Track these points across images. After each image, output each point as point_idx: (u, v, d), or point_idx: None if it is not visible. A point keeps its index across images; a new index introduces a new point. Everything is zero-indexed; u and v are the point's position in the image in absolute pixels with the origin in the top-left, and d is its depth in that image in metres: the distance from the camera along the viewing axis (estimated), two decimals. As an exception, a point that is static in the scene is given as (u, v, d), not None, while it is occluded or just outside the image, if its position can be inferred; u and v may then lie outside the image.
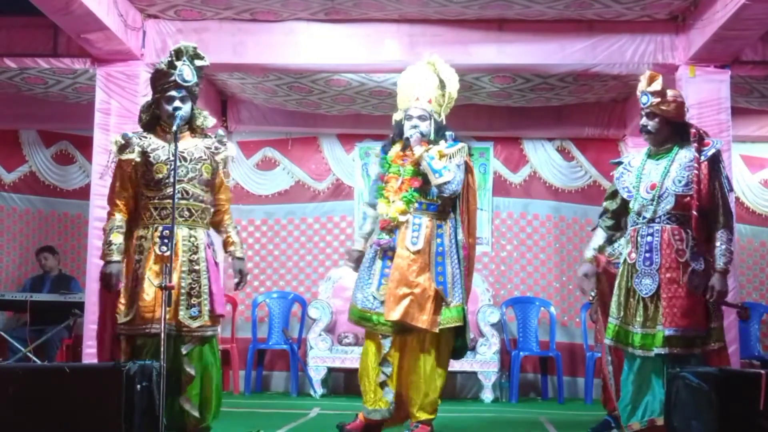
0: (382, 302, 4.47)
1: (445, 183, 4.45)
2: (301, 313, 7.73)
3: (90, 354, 5.78)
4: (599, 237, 4.55)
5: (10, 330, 7.22)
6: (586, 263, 4.58)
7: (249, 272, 4.52)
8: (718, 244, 4.12)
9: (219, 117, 8.01)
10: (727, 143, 6.09)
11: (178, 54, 4.17)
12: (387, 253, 4.54)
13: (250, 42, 6.30)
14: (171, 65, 4.16)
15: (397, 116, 4.74)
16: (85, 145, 7.42)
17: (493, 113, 7.96)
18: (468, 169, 4.63)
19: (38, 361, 6.39)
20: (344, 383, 7.77)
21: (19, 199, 8.42)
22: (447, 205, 4.59)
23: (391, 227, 4.55)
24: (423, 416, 4.51)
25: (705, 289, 4.11)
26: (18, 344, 6.82)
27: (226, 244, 4.36)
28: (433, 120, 4.60)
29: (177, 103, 4.14)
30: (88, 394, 3.54)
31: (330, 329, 7.46)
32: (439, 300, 4.46)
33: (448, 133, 4.64)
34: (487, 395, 7.14)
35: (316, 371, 7.27)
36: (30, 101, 7.70)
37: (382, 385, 4.52)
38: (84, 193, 7.44)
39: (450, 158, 4.52)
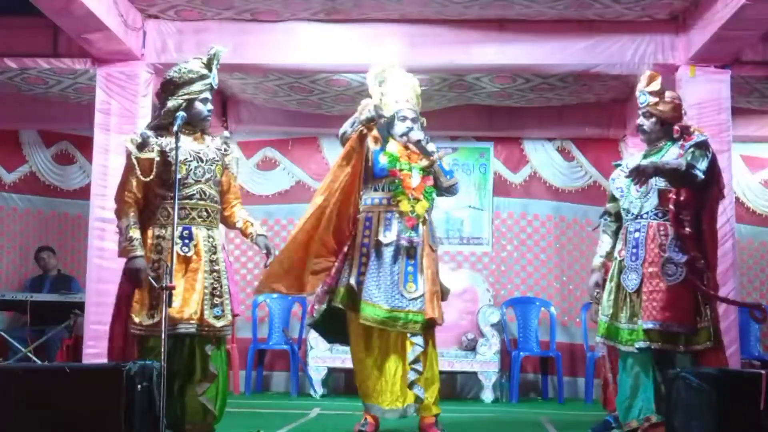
0: (411, 300, 4.49)
1: (455, 184, 4.61)
2: (301, 314, 7.73)
3: (90, 354, 5.78)
4: (606, 243, 4.58)
5: (11, 330, 7.22)
6: (595, 272, 4.61)
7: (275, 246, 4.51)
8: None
9: (219, 117, 8.02)
10: (728, 143, 6.09)
11: (215, 57, 4.21)
12: (409, 251, 4.55)
13: (250, 42, 6.29)
14: (209, 68, 4.20)
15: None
16: (85, 145, 7.41)
17: (493, 113, 7.96)
18: None
19: (38, 361, 6.40)
20: (344, 383, 7.77)
21: (20, 200, 8.42)
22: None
23: (416, 225, 4.58)
24: (436, 410, 4.60)
25: (688, 283, 4.12)
26: (18, 344, 6.82)
27: (245, 230, 4.33)
28: (420, 123, 4.73)
29: (209, 105, 4.22)
30: (88, 394, 3.54)
31: (330, 329, 7.45)
32: (440, 295, 4.64)
33: (427, 137, 4.76)
34: (488, 395, 7.14)
35: (317, 371, 7.27)
36: (30, 101, 7.70)
37: (412, 384, 4.51)
38: (84, 193, 7.43)
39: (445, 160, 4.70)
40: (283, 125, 8.20)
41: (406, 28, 6.24)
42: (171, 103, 4.12)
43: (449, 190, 4.59)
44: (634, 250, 4.23)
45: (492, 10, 6.02)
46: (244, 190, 8.24)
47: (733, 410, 3.73)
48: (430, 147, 4.68)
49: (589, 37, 6.20)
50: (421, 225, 4.58)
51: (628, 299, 4.23)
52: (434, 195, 4.65)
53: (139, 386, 3.52)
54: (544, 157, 8.26)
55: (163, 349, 3.63)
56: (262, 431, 4.82)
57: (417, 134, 4.61)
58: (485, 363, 7.15)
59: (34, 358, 6.56)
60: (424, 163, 4.63)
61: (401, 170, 4.63)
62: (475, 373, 7.24)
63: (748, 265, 8.09)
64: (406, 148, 4.67)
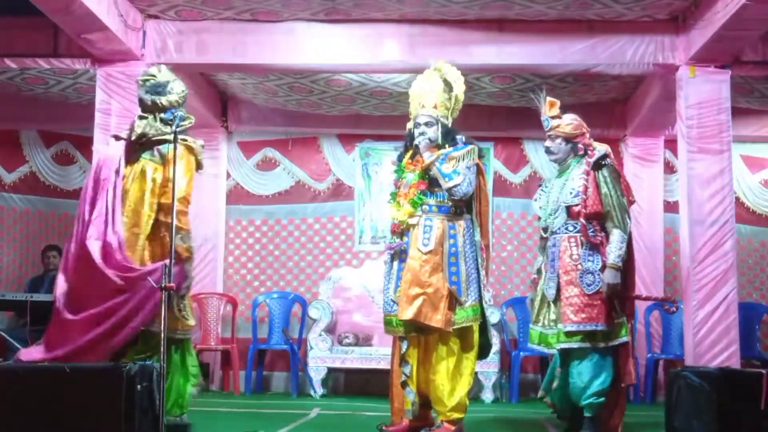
0: (395, 304, 4.55)
1: (454, 186, 4.53)
2: (301, 314, 7.73)
3: (90, 354, 5.77)
4: (538, 260, 4.94)
5: (10, 330, 7.22)
6: (530, 290, 5.02)
7: None
8: (611, 241, 4.52)
9: (219, 117, 8.02)
10: (728, 143, 6.11)
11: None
12: (401, 255, 4.60)
13: (250, 42, 6.30)
14: None
15: (409, 125, 4.82)
16: (85, 145, 7.41)
17: (493, 113, 7.96)
18: (479, 171, 4.69)
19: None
20: (344, 383, 7.78)
21: (20, 200, 8.41)
22: (460, 207, 4.64)
23: (402, 230, 4.63)
24: (451, 415, 4.53)
25: (602, 285, 4.47)
26: (18, 344, 6.81)
27: None
28: (440, 124, 4.65)
29: None
30: (88, 394, 3.55)
31: (330, 329, 7.46)
32: (453, 299, 4.50)
33: (458, 137, 4.70)
34: (488, 395, 7.14)
35: (317, 371, 7.27)
36: (30, 101, 7.70)
37: (403, 384, 4.57)
38: (84, 193, 7.42)
39: (459, 161, 4.58)
40: (283, 125, 8.20)
41: (406, 28, 6.25)
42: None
43: (450, 192, 4.57)
44: (552, 263, 4.65)
45: (492, 10, 6.02)
46: (244, 190, 8.30)
47: (733, 410, 3.74)
48: (449, 148, 4.65)
49: (589, 37, 6.20)
50: (414, 229, 4.57)
51: (550, 307, 4.65)
52: (424, 197, 4.60)
53: (139, 386, 3.52)
54: (544, 157, 8.21)
55: (162, 349, 3.64)
56: (262, 431, 4.82)
57: (417, 139, 4.64)
58: (485, 363, 7.09)
59: (35, 358, 6.55)
60: (419, 167, 4.66)
61: (400, 179, 4.74)
62: (475, 373, 7.21)
63: (748, 265, 8.09)
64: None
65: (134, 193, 4.32)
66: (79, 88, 7.31)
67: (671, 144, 7.49)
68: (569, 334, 4.47)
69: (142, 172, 4.35)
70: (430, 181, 4.60)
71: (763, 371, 3.77)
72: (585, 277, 4.48)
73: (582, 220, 4.52)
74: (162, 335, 3.65)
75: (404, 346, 4.57)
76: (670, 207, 7.71)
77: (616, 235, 4.50)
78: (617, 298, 4.51)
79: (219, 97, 7.96)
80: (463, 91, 4.79)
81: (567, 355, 4.60)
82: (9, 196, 8.39)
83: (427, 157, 4.58)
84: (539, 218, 4.92)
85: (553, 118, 4.80)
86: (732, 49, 5.91)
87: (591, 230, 4.52)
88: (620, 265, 4.47)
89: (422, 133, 4.62)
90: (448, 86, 4.71)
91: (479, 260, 4.61)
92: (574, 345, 4.47)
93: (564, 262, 4.55)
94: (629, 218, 4.62)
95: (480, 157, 4.74)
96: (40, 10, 5.43)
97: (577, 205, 4.58)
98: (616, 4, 5.84)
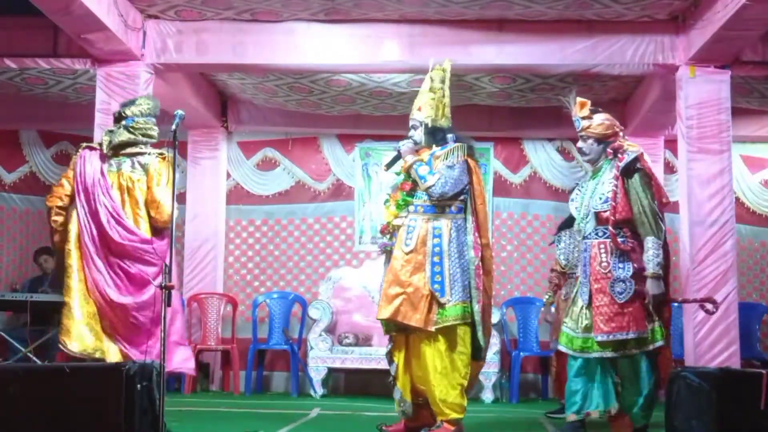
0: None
1: (429, 187, 4.56)
2: (301, 314, 7.74)
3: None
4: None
5: (10, 330, 7.21)
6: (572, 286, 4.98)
7: None
8: (646, 250, 4.38)
9: (219, 117, 8.02)
10: (727, 143, 6.11)
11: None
12: (389, 257, 4.66)
13: (250, 42, 6.30)
14: None
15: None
16: (85, 145, 7.41)
17: (493, 113, 7.96)
18: (470, 170, 4.65)
19: (38, 362, 6.39)
20: (344, 383, 7.78)
21: (19, 200, 8.42)
22: (447, 206, 4.62)
23: (390, 231, 4.69)
24: (448, 415, 4.52)
25: (636, 294, 4.36)
26: (18, 344, 6.81)
27: None
28: (424, 126, 4.68)
29: None
30: (88, 394, 3.55)
31: (330, 329, 7.46)
32: (435, 300, 4.49)
33: (449, 136, 4.70)
34: (488, 395, 7.14)
35: (317, 371, 7.27)
36: (30, 101, 7.71)
37: (392, 384, 4.62)
38: (84, 193, 7.42)
39: (443, 159, 4.59)
40: (283, 125, 8.21)
41: (406, 28, 6.25)
42: None
43: (428, 193, 4.59)
44: (584, 268, 4.54)
45: (492, 11, 6.02)
46: (244, 190, 8.30)
47: (733, 410, 3.74)
48: (433, 148, 4.67)
49: (589, 37, 6.21)
50: (400, 230, 4.61)
51: (583, 311, 4.52)
52: (409, 198, 4.64)
53: (138, 386, 3.52)
54: (544, 157, 8.27)
55: (162, 349, 3.64)
56: (262, 431, 4.82)
57: (400, 143, 4.72)
58: (485, 363, 7.11)
59: (34, 358, 6.55)
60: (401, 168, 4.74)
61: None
62: (475, 373, 7.22)
63: (748, 265, 8.09)
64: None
65: (132, 205, 4.63)
66: (79, 88, 7.31)
67: (671, 144, 7.49)
68: (601, 344, 4.37)
69: (132, 184, 4.63)
70: (414, 183, 4.65)
71: (763, 371, 3.77)
72: (616, 286, 4.36)
73: (611, 227, 4.40)
74: (162, 334, 3.66)
75: (389, 345, 4.67)
76: (670, 207, 7.71)
77: (650, 243, 4.36)
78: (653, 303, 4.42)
79: (219, 97, 7.96)
80: (447, 87, 4.77)
81: (604, 363, 4.47)
82: (9, 196, 8.40)
83: (409, 159, 4.65)
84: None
85: (583, 118, 4.65)
86: (732, 49, 5.91)
87: (621, 237, 4.40)
88: (660, 273, 4.36)
89: (409, 137, 4.70)
90: (435, 86, 4.73)
91: (469, 259, 4.57)
92: (607, 355, 4.38)
93: (594, 269, 4.43)
94: (663, 222, 4.49)
95: (471, 155, 4.68)
96: (40, 10, 5.43)
97: (606, 211, 4.44)
98: (616, 4, 5.84)
